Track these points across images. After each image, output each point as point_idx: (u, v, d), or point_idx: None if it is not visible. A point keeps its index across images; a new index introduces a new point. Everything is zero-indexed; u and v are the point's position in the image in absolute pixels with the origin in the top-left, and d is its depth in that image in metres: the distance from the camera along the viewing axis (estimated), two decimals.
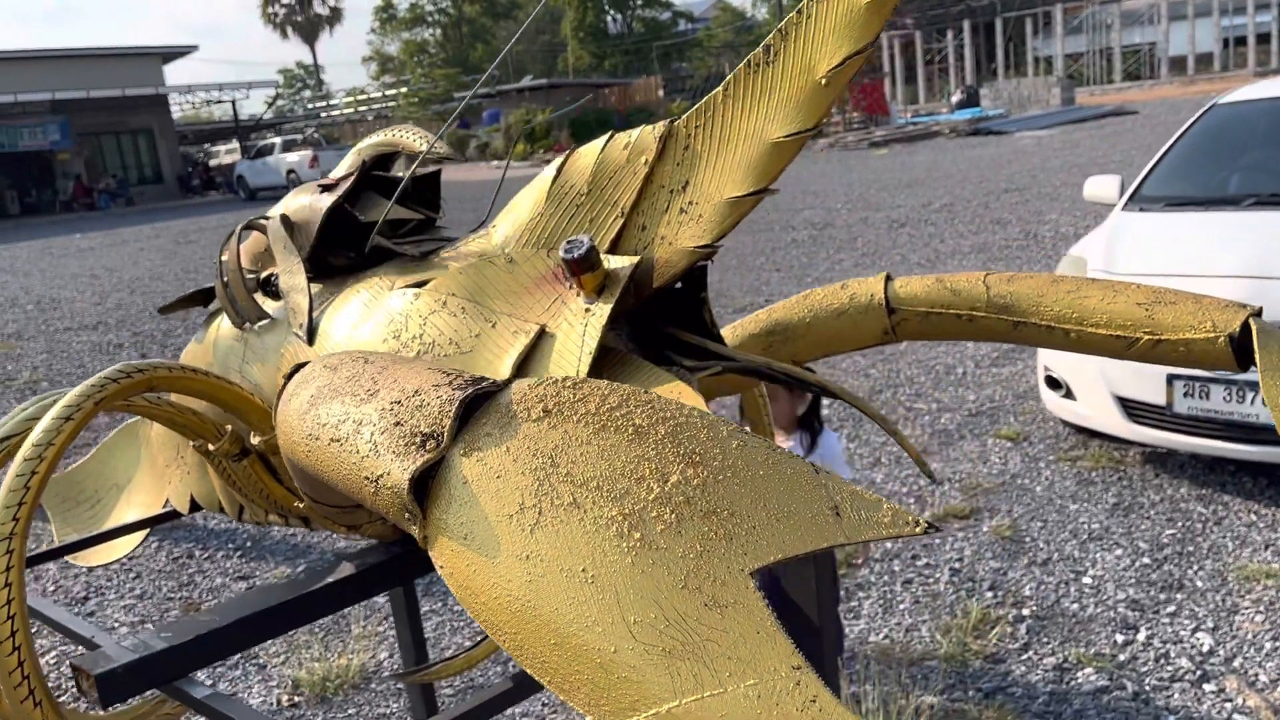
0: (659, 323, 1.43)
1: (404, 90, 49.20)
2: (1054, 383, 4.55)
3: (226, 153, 40.76)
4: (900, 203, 14.39)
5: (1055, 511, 4.15)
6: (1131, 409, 4.21)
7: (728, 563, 0.73)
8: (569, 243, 1.29)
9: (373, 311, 1.54)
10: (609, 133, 1.38)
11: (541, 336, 1.36)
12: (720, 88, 1.23)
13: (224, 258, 1.81)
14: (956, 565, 3.79)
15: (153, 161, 38.99)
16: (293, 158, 30.34)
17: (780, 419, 2.80)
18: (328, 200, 1.69)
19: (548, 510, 0.75)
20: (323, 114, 53.95)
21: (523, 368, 1.36)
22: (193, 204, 33.62)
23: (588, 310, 1.32)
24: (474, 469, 0.81)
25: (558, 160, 1.44)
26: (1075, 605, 3.44)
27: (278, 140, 32.61)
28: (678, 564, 0.72)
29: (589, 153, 1.38)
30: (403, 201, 1.72)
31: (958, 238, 10.98)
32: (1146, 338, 1.40)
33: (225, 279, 1.80)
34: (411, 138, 1.81)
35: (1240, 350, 1.34)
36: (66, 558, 2.42)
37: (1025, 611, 3.43)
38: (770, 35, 1.16)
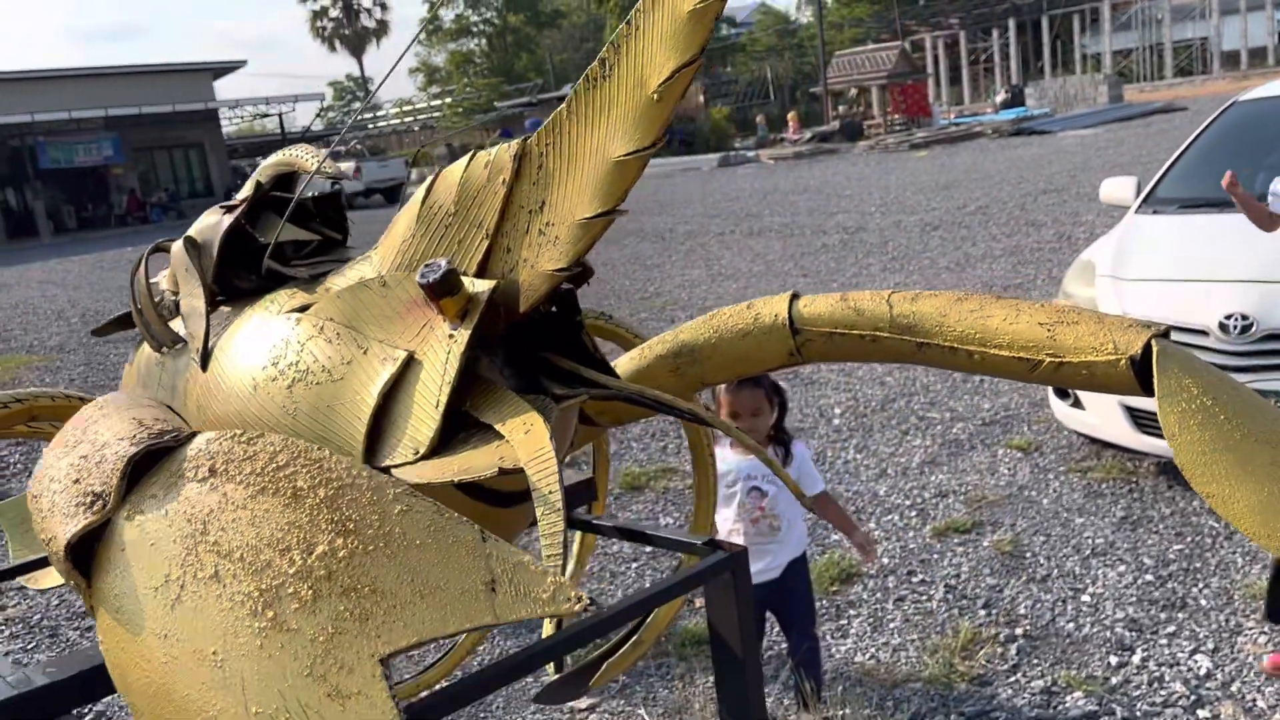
0: (537, 348, 1.38)
1: (448, 100, 49.65)
2: (1063, 391, 4.42)
3: None
4: (935, 205, 14.19)
5: (1060, 525, 4.03)
6: (1140, 419, 4.07)
7: (358, 647, 0.68)
8: (426, 266, 1.25)
9: (259, 337, 1.50)
10: (473, 149, 1.33)
11: (410, 364, 1.31)
12: (564, 104, 1.17)
13: (136, 281, 1.79)
14: (952, 582, 3.68)
15: (203, 174, 39.73)
16: None
17: (760, 432, 2.75)
18: (227, 221, 1.67)
19: (189, 584, 0.70)
20: (370, 125, 54.65)
21: (390, 396, 1.31)
22: None
23: (451, 336, 1.28)
24: (133, 534, 0.76)
25: (429, 179, 1.39)
26: (1071, 625, 3.33)
27: (323, 152, 32.98)
28: (307, 648, 0.67)
29: (455, 171, 1.34)
30: (303, 222, 1.69)
31: (990, 240, 10.78)
32: (1049, 360, 1.32)
33: (138, 304, 1.78)
34: (305, 157, 1.78)
35: (1143, 374, 1.26)
36: (19, 579, 2.43)
37: (1018, 631, 3.32)
38: (605, 48, 1.11)
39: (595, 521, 1.98)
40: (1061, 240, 10.20)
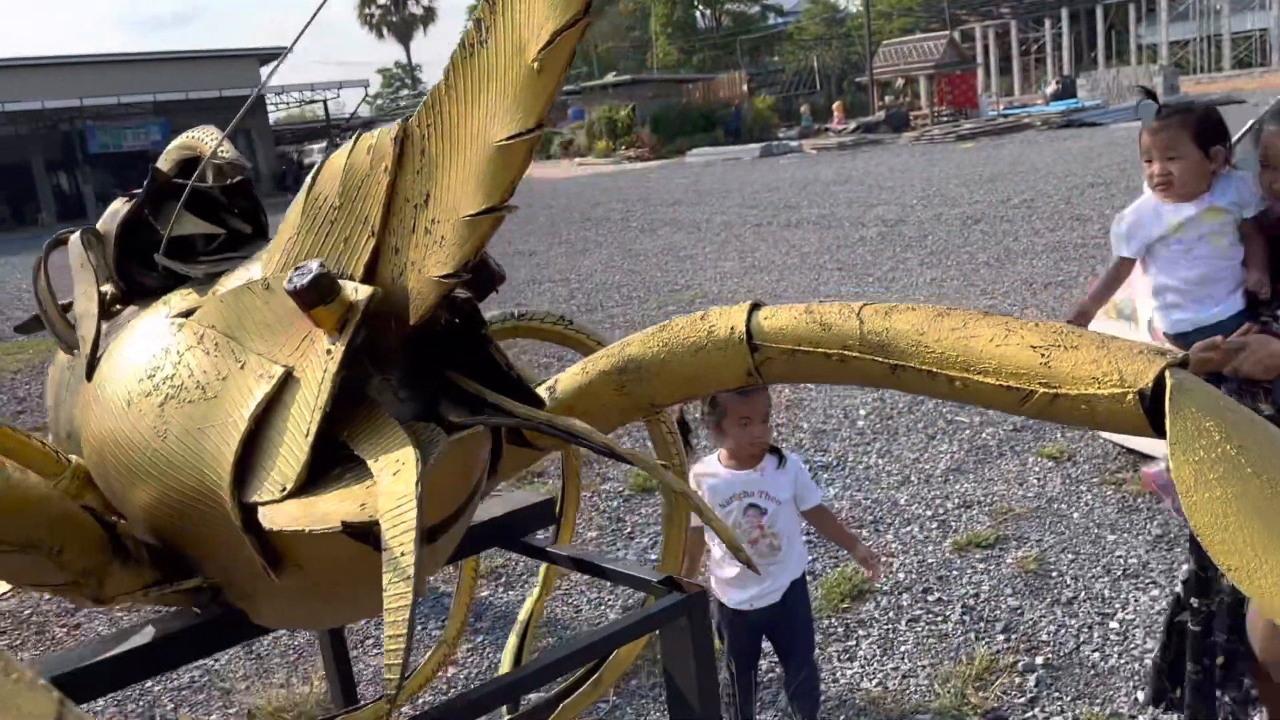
0: (443, 365, 1.19)
1: None
2: None
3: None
4: (978, 198, 13.82)
5: (1090, 543, 3.77)
6: None
7: None
8: (295, 270, 1.06)
9: (143, 344, 1.33)
10: (357, 132, 1.13)
11: (287, 382, 1.13)
12: (442, 77, 0.98)
13: (38, 277, 1.62)
14: (970, 602, 3.45)
15: (250, 160, 39.98)
16: None
17: (759, 444, 2.55)
18: (125, 211, 1.49)
19: None
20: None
21: (264, 419, 1.13)
22: (284, 201, 34.23)
23: (328, 352, 1.09)
24: None
25: (317, 164, 1.20)
26: (1096, 654, 3.08)
27: None
28: None
29: (339, 157, 1.15)
30: (213, 213, 1.51)
31: (1033, 235, 10.44)
32: (1042, 391, 1.11)
33: (41, 303, 1.61)
34: (206, 141, 1.59)
35: (1155, 412, 1.04)
36: None
37: (1038, 660, 3.08)
38: (481, 5, 0.91)
39: (549, 550, 1.79)
40: (1107, 236, 9.81)
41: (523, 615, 2.05)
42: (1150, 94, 2.48)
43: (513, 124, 0.91)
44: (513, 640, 2.02)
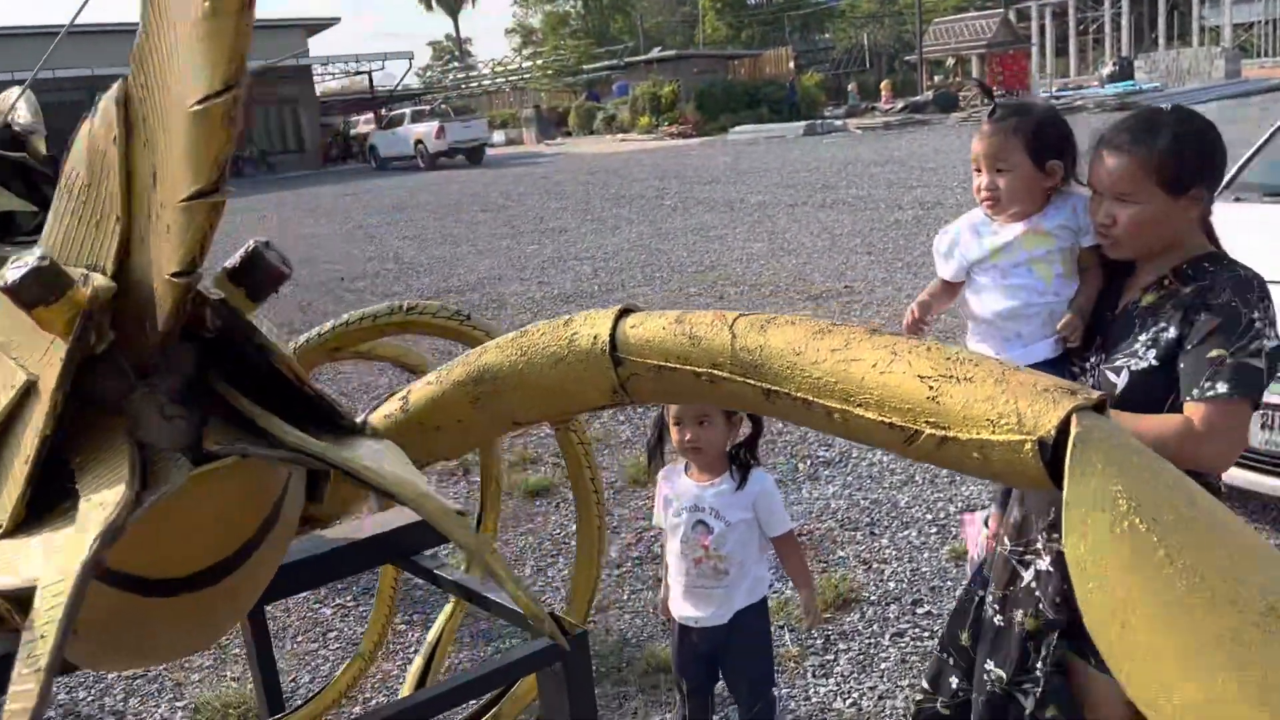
0: (222, 379, 1.00)
1: (538, 62, 49.38)
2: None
3: (365, 123, 41.63)
4: None
5: None
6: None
7: None
8: (12, 263, 0.88)
9: None
10: (98, 96, 0.94)
11: (29, 393, 0.95)
12: (140, 21, 0.79)
13: None
14: None
15: (295, 130, 40.18)
16: (420, 128, 30.67)
17: (712, 448, 2.32)
18: None
19: None
20: (463, 86, 54.74)
21: (4, 438, 0.95)
22: (329, 173, 34.46)
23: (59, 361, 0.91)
24: None
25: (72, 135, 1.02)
26: None
27: (408, 111, 33.05)
28: None
29: (87, 126, 0.96)
30: (32, 189, 1.33)
31: None
32: (929, 432, 0.90)
33: None
34: (19, 106, 1.41)
35: (1057, 467, 0.82)
36: None
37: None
38: None
39: (435, 572, 1.60)
40: None
41: (431, 635, 1.88)
42: (986, 90, 2.08)
43: (202, 84, 0.72)
44: (418, 663, 1.85)
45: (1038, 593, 2.02)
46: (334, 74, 43.41)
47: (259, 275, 0.93)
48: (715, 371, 1.04)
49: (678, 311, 1.10)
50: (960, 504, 4.04)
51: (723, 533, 2.29)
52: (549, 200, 17.12)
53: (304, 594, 3.82)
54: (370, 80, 41.74)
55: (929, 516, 3.98)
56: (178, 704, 3.20)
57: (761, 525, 2.36)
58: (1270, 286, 1.84)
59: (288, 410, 1.02)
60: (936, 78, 33.76)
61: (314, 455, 0.90)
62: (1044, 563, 2.01)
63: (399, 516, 1.73)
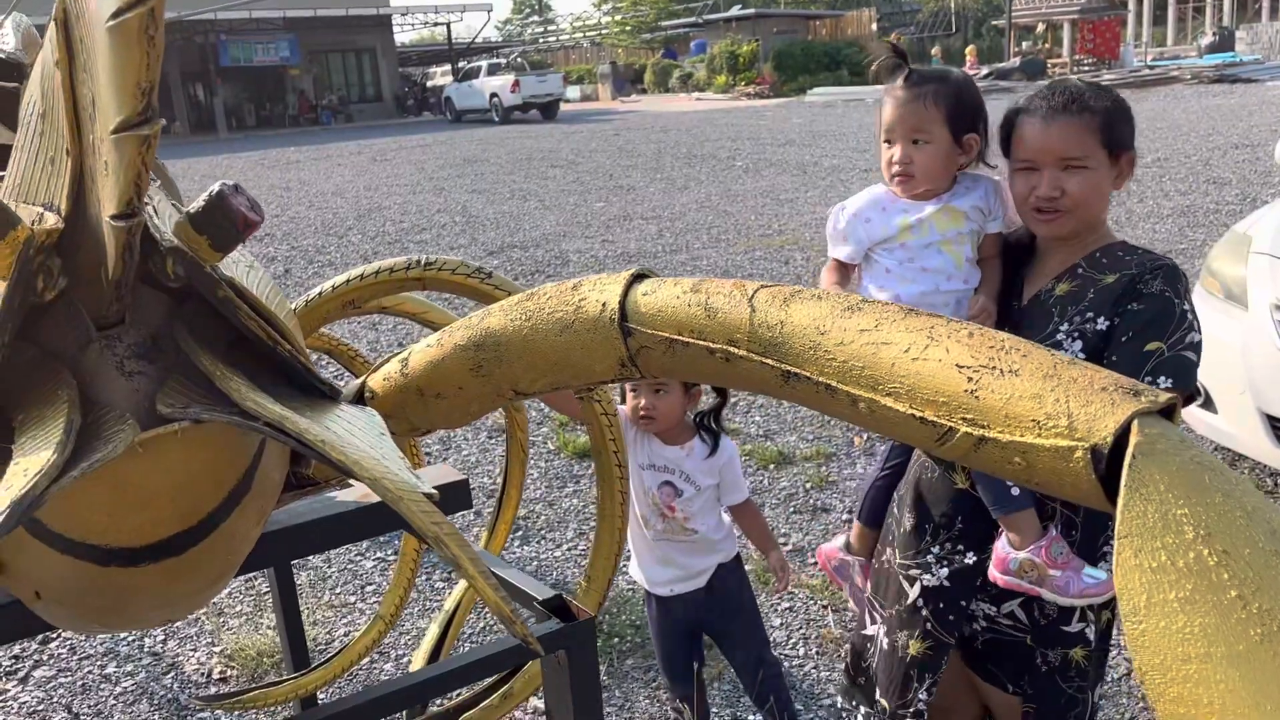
0: (187, 333, 0.92)
1: (617, 18, 48.92)
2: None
3: (442, 75, 41.72)
4: None
5: None
6: None
7: None
8: None
9: None
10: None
11: None
12: None
13: None
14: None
15: (374, 80, 40.48)
16: (496, 81, 30.60)
17: (666, 419, 2.23)
18: None
19: None
20: (540, 40, 54.53)
21: None
22: (405, 123, 34.62)
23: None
24: None
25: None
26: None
27: (484, 64, 32.99)
28: None
29: (46, 47, 0.87)
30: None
31: (1161, 197, 9.65)
32: (965, 430, 0.78)
33: None
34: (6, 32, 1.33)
35: (1112, 481, 0.70)
36: None
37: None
38: None
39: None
40: (1245, 203, 9.01)
41: (448, 605, 1.81)
42: (899, 53, 1.88)
43: None
44: (433, 631, 1.78)
45: (924, 611, 1.91)
46: (413, 24, 43.49)
47: (224, 223, 0.84)
48: (731, 349, 0.93)
49: (695, 279, 0.99)
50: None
51: (691, 496, 2.25)
52: (619, 158, 16.97)
53: (346, 545, 3.81)
54: (449, 32, 41.75)
55: None
56: (215, 649, 3.20)
57: (722, 492, 2.32)
58: None
59: (262, 371, 0.94)
60: (1024, 44, 32.71)
61: (269, 423, 0.81)
62: (934, 578, 1.89)
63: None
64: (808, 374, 0.88)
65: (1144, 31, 36.57)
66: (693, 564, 2.30)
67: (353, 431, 0.86)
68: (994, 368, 0.77)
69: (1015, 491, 1.77)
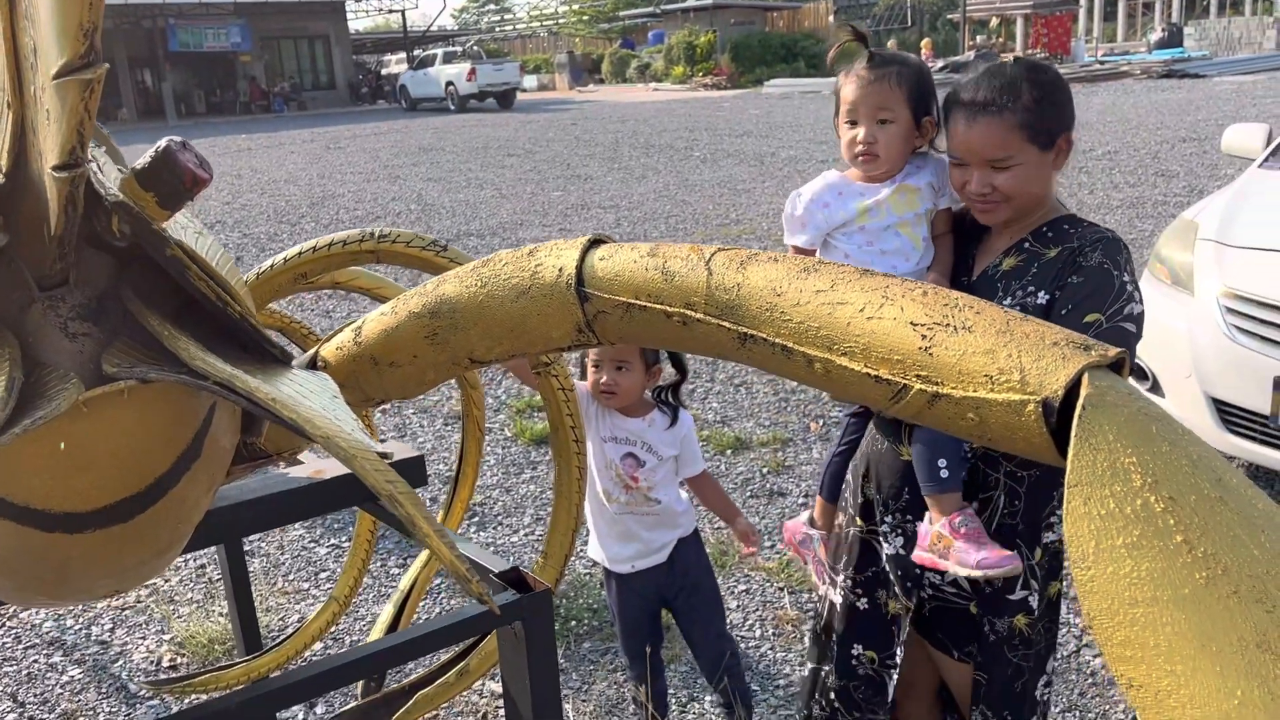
0: (132, 294, 0.90)
1: (574, 7, 48.71)
2: (1139, 370, 3.75)
3: (396, 63, 41.29)
4: None
5: None
6: (1228, 415, 3.40)
7: None
8: None
9: None
10: None
11: None
12: None
13: None
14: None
15: (328, 68, 39.94)
16: (451, 70, 30.34)
17: (627, 396, 2.24)
18: None
19: None
20: (497, 29, 54.17)
21: None
22: (358, 111, 34.22)
23: None
24: None
25: None
26: (1098, 660, 2.75)
27: (439, 52, 32.69)
28: None
29: None
30: None
31: (1110, 189, 9.80)
32: (919, 387, 0.78)
33: None
34: None
35: (1060, 431, 0.71)
36: None
37: None
38: None
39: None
40: (1193, 194, 9.18)
41: (404, 583, 1.79)
42: (859, 35, 1.90)
43: None
44: (388, 611, 1.77)
45: (891, 575, 1.97)
46: (367, 11, 43.01)
47: (170, 179, 0.82)
48: (688, 312, 0.93)
49: (652, 244, 0.99)
50: None
51: (654, 466, 2.27)
52: (577, 147, 16.91)
53: (298, 531, 3.77)
54: (404, 19, 41.33)
55: None
56: (164, 637, 3.16)
57: (680, 464, 2.35)
58: None
59: (212, 334, 0.92)
60: (979, 38, 33.03)
61: (219, 382, 0.80)
62: (891, 546, 1.95)
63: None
64: (764, 335, 0.88)
65: (1095, 27, 37.08)
66: (654, 538, 2.30)
67: (304, 394, 0.85)
68: (948, 324, 0.77)
69: (944, 474, 1.80)
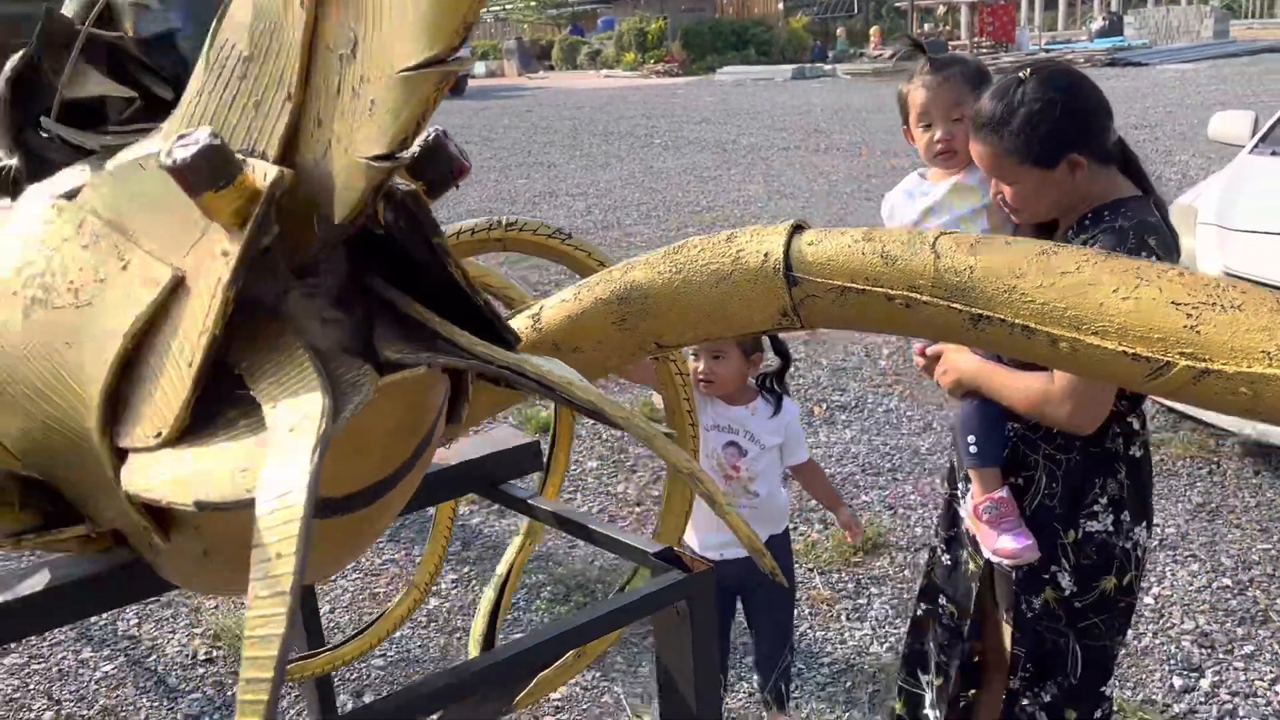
0: (388, 281, 0.91)
1: None
2: None
3: None
4: None
5: None
6: None
7: None
8: (177, 140, 0.78)
9: (17, 230, 1.05)
10: None
11: (177, 290, 0.85)
12: None
13: None
14: None
15: None
16: None
17: (725, 384, 2.27)
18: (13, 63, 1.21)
19: None
20: None
21: (144, 340, 0.86)
22: None
23: (224, 254, 0.81)
24: None
25: (224, 6, 0.90)
26: (1129, 632, 2.84)
27: None
28: None
29: None
30: (125, 73, 1.21)
31: None
32: (1184, 364, 0.82)
33: None
34: None
35: None
36: None
37: None
38: None
39: (531, 502, 1.53)
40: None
41: (501, 568, 1.80)
42: (918, 44, 1.98)
43: None
44: (489, 595, 1.78)
45: (966, 537, 2.10)
46: None
47: (441, 167, 0.83)
48: (913, 294, 0.96)
49: (863, 228, 1.02)
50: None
51: (756, 455, 2.30)
52: (535, 134, 16.83)
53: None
54: None
55: (945, 463, 3.94)
56: (195, 630, 3.12)
57: (784, 452, 2.38)
58: None
59: (449, 318, 0.93)
60: (926, 25, 33.43)
61: (506, 366, 0.81)
62: (965, 510, 2.06)
63: (478, 444, 1.65)
64: (1001, 316, 0.91)
65: (1036, 15, 37.70)
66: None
67: (574, 377, 0.86)
68: (1214, 304, 0.81)
69: (973, 450, 1.92)
